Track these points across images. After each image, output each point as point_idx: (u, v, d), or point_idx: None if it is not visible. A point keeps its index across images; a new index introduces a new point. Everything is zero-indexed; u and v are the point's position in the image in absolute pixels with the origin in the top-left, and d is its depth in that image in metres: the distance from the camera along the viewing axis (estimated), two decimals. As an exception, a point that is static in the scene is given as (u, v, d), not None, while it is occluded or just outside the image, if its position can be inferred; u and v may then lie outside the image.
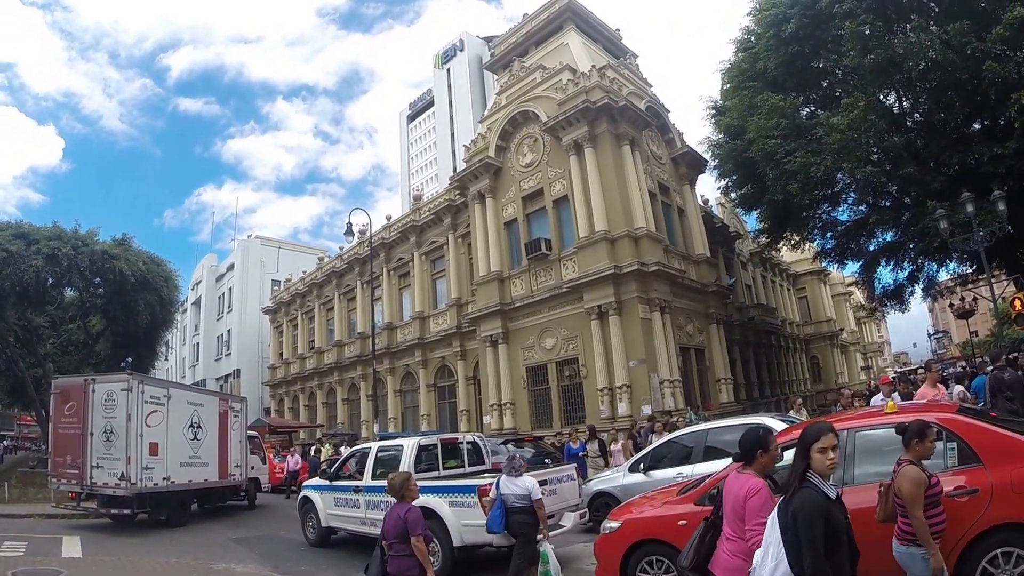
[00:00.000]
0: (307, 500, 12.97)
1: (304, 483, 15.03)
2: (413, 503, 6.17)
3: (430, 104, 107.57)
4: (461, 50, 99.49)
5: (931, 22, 18.41)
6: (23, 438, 61.16)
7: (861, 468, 5.86)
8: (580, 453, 15.70)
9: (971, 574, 5.17)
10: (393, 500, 6.24)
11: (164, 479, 15.25)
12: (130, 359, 36.49)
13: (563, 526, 9.81)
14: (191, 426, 16.67)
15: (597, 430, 17.87)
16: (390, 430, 31.41)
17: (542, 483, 9.31)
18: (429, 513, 9.40)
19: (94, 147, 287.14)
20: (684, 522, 6.54)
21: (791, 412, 14.87)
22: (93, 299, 31.95)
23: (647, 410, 21.49)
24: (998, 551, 5.08)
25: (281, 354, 47.84)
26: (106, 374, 17.15)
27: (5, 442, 58.35)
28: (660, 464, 11.15)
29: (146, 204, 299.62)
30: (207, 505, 18.02)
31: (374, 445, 12.34)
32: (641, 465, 11.51)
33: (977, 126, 20.59)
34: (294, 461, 23.87)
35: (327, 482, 12.54)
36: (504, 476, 8.23)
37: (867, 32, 18.29)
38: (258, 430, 29.10)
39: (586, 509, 10.66)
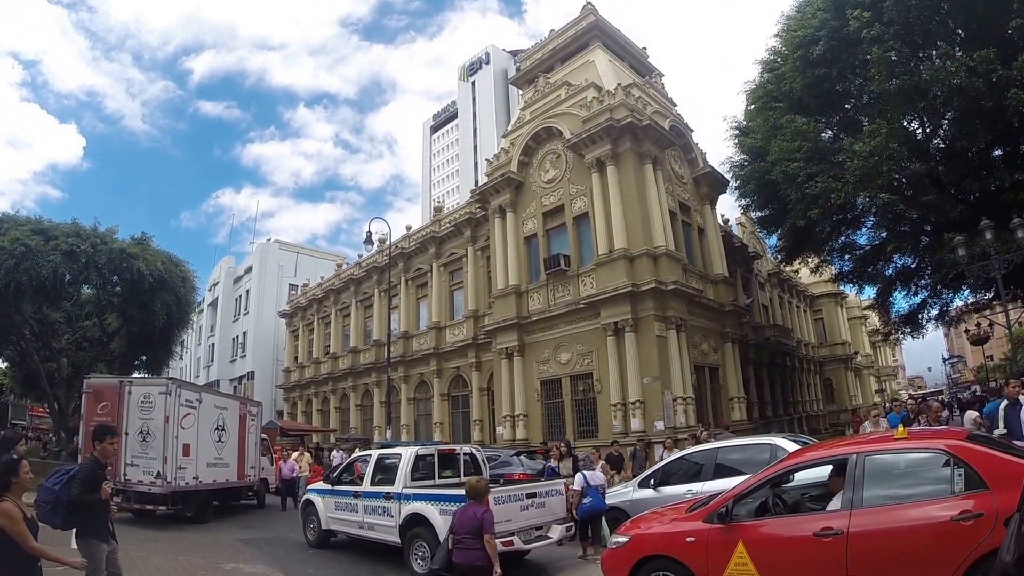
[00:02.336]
0: (309, 503, 13.34)
1: (308, 487, 15.23)
2: (487, 506, 6.99)
3: (453, 116, 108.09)
4: (487, 63, 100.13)
5: (957, 49, 18.42)
6: (35, 428, 61.57)
7: (869, 491, 5.92)
8: (549, 471, 14.29)
9: None
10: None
11: (194, 478, 15.89)
12: (145, 358, 36.94)
13: (550, 538, 10.01)
14: (217, 428, 17.28)
15: (573, 447, 16.54)
16: (403, 437, 31.61)
17: (530, 496, 9.82)
18: (421, 519, 9.84)
19: (115, 146, 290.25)
20: (692, 539, 6.64)
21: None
22: (110, 297, 31.98)
23: (660, 426, 21.52)
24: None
25: (296, 358, 48.05)
26: (143, 377, 17.53)
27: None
28: (671, 480, 11.21)
29: (165, 205, 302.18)
30: (219, 503, 18.29)
31: (374, 453, 12.61)
32: (651, 481, 11.56)
33: (999, 153, 20.54)
34: (288, 468, 20.74)
35: (329, 486, 12.84)
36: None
37: (893, 58, 18.26)
38: (270, 432, 29.25)
39: (572, 523, 10.76)
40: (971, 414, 12.11)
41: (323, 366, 43.25)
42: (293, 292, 51.98)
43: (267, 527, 16.28)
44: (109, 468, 14.55)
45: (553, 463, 14.44)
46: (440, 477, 11.62)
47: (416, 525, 9.93)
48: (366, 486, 11.65)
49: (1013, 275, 19.21)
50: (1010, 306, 19.98)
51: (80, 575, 6.04)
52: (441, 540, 8.94)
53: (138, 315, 30.81)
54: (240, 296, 58.32)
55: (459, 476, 11.78)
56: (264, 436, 23.72)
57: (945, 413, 14.78)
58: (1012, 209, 17.56)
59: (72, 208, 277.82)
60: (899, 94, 18.41)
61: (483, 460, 12.71)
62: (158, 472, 14.93)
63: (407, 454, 11.26)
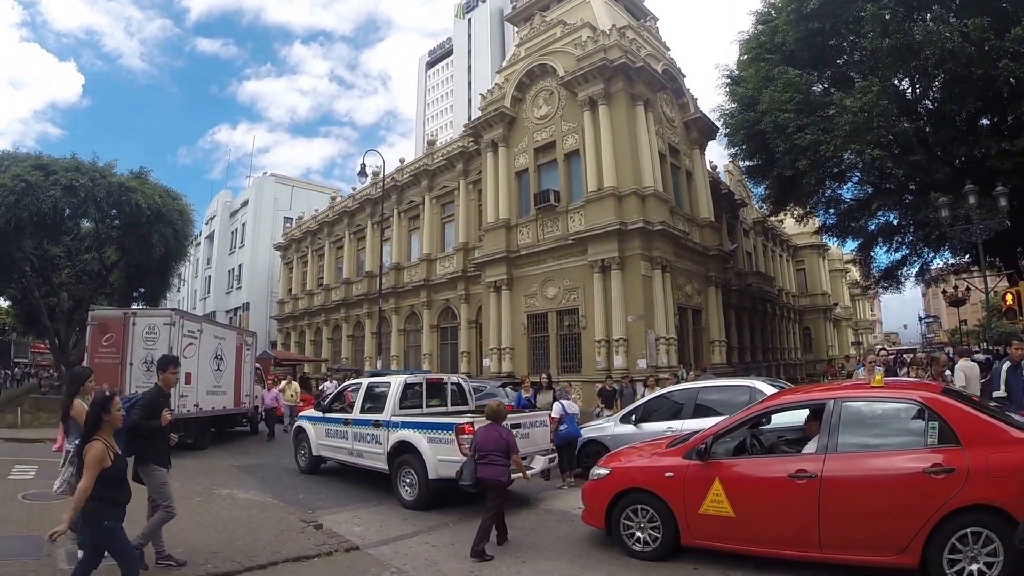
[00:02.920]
0: (300, 430, 13.34)
1: (300, 414, 15.28)
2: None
3: (449, 52, 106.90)
4: (483, 0, 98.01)
5: (951, 14, 18.33)
6: (36, 365, 61.76)
7: (844, 437, 6.02)
8: (525, 403, 14.10)
9: (940, 550, 5.34)
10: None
11: (195, 406, 16.14)
12: (143, 290, 37.08)
13: (533, 468, 10.01)
14: (215, 358, 17.53)
15: (552, 381, 15.61)
16: (392, 368, 32.01)
17: (515, 427, 9.68)
18: (408, 447, 9.91)
19: (114, 84, 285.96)
20: (671, 474, 6.78)
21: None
22: (109, 230, 31.91)
23: (642, 364, 21.89)
24: (968, 530, 5.24)
25: (290, 290, 48.31)
26: (146, 309, 17.57)
27: (17, 369, 59.17)
28: (651, 417, 11.35)
29: (162, 141, 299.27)
30: (216, 430, 18.65)
31: (364, 381, 12.63)
32: (633, 417, 11.70)
33: (987, 121, 20.59)
34: (271, 397, 20.31)
35: (320, 414, 12.87)
36: (563, 401, 11.83)
37: (887, 16, 18.21)
38: (264, 363, 29.51)
39: (555, 454, 10.83)
40: (966, 364, 11.55)
41: (316, 298, 43.57)
42: (288, 225, 51.94)
43: (260, 454, 16.52)
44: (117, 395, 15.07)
45: (525, 394, 14.52)
46: (427, 406, 11.66)
47: (403, 452, 10.01)
48: (356, 414, 11.69)
49: (993, 242, 19.39)
50: (988, 273, 20.17)
51: None
52: (427, 467, 9.42)
53: (136, 248, 30.88)
54: (236, 229, 58.19)
55: (446, 405, 11.92)
56: (258, 365, 24.03)
57: (948, 373, 13.83)
58: (997, 176, 17.73)
59: (71, 145, 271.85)
60: (891, 53, 18.45)
61: (469, 390, 12.80)
62: None
63: (396, 383, 11.28)
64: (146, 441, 6.31)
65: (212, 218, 62.74)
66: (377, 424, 10.75)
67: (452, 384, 12.51)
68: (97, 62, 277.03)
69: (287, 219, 53.46)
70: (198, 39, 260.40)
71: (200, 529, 7.88)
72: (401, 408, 10.92)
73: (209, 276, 61.85)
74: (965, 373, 11.05)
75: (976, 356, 15.00)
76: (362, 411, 11.60)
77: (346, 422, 11.77)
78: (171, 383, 6.91)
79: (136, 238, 30.34)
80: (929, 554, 5.36)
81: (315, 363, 41.01)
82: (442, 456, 9.39)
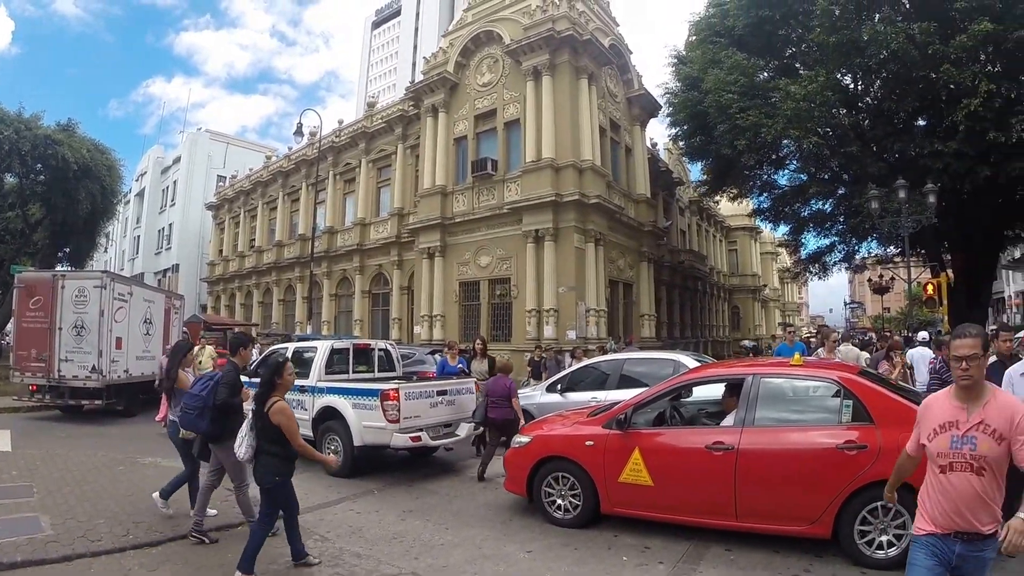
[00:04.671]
0: None
1: None
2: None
3: (396, 13, 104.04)
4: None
5: (900, 17, 18.55)
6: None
7: (762, 412, 6.10)
8: (459, 369, 12.77)
9: (851, 521, 5.49)
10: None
11: (125, 371, 15.53)
12: (68, 249, 35.26)
13: (458, 435, 9.98)
14: (145, 322, 16.85)
15: (487, 347, 14.22)
16: (323, 333, 31.20)
17: (441, 393, 9.69)
18: (333, 413, 9.61)
19: (45, 31, 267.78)
20: (591, 443, 6.77)
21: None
22: (33, 186, 30.24)
23: (572, 335, 21.81)
24: (878, 504, 5.36)
25: (221, 251, 46.67)
26: (76, 271, 16.67)
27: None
28: (577, 387, 11.27)
29: (93, 93, 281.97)
30: (144, 396, 17.81)
31: (291, 346, 12.22)
32: (559, 386, 11.57)
33: (923, 122, 20.93)
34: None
35: (247, 378, 12.36)
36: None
37: (837, 12, 18.34)
38: (193, 327, 28.46)
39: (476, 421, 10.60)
40: (923, 352, 10.98)
41: (248, 260, 42.20)
42: (221, 184, 49.76)
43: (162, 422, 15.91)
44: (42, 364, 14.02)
45: (452, 361, 13.17)
46: (354, 372, 11.36)
47: (329, 418, 9.71)
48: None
49: (919, 235, 19.83)
50: (912, 264, 20.72)
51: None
52: (352, 433, 9.23)
53: (62, 204, 29.36)
54: (167, 187, 55.74)
55: (373, 372, 11.66)
56: (185, 330, 23.08)
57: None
58: (927, 174, 18.07)
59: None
60: (837, 48, 18.54)
61: (397, 357, 12.55)
62: (93, 366, 14.59)
63: (323, 348, 10.98)
64: (228, 419, 6.23)
65: (143, 175, 59.72)
66: (303, 389, 10.32)
67: (380, 350, 12.21)
68: (28, 7, 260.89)
69: (220, 178, 51.17)
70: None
71: (123, 499, 7.49)
72: (327, 373, 10.59)
73: (138, 236, 58.99)
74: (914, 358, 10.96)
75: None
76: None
77: None
78: (247, 360, 7.04)
79: (62, 194, 28.86)
80: (841, 525, 5.52)
81: (246, 327, 39.62)
82: (367, 422, 9.14)
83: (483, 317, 24.72)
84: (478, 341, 13.71)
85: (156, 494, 6.87)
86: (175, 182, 54.09)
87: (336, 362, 11.12)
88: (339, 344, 11.63)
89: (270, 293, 39.81)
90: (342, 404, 9.55)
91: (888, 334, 19.63)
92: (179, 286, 45.79)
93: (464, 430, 10.08)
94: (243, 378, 6.72)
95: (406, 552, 6.20)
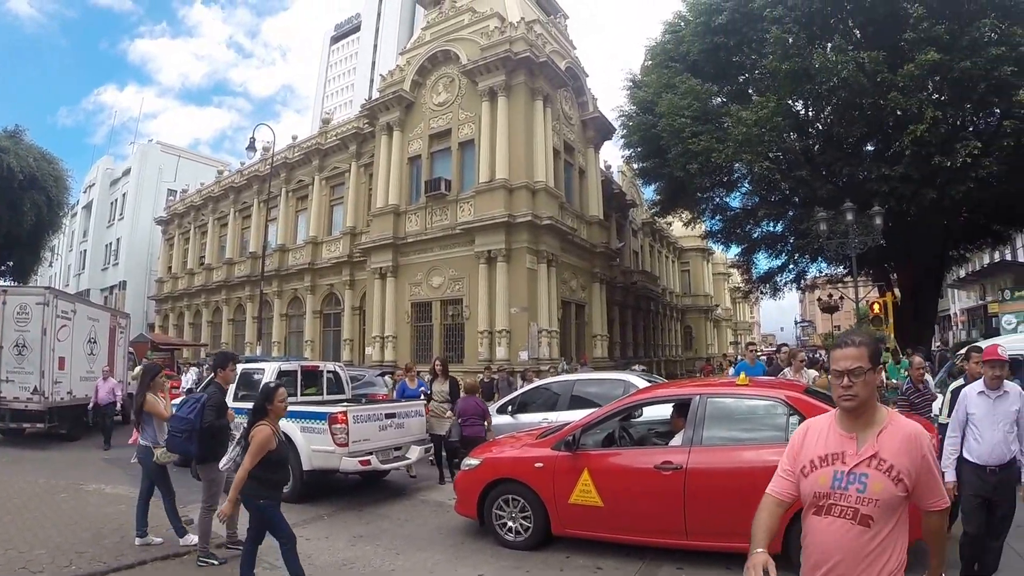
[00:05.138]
0: None
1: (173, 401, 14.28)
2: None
3: (356, 28, 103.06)
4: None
5: (851, 46, 18.92)
6: None
7: (709, 431, 6.17)
8: (421, 392, 12.17)
9: (799, 537, 5.26)
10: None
11: (68, 393, 14.92)
12: (11, 263, 33.93)
13: (408, 459, 9.88)
14: (89, 341, 16.24)
15: (449, 367, 12.51)
16: (274, 354, 30.50)
17: (390, 416, 9.66)
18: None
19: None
20: (541, 464, 6.75)
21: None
22: (-26, 195, 29.06)
23: (524, 356, 21.69)
24: None
25: (170, 268, 45.19)
26: (18, 286, 15.96)
27: None
28: (528, 408, 11.21)
29: (43, 98, 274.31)
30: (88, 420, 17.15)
31: (238, 368, 11.90)
32: (509, 407, 11.50)
33: (871, 147, 21.44)
34: (107, 389, 15.06)
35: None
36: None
37: (790, 40, 18.71)
38: (140, 346, 27.65)
39: (431, 444, 10.58)
40: (812, 373, 11.21)
41: (197, 277, 41.01)
42: (172, 198, 48.47)
43: (133, 446, 15.19)
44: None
45: (411, 384, 12.75)
46: (303, 394, 11.25)
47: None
48: (230, 401, 10.89)
49: (867, 256, 20.24)
50: (859, 283, 21.20)
51: None
52: (301, 458, 9.10)
53: (6, 216, 28.32)
54: (116, 200, 53.97)
55: (322, 394, 11.57)
56: (131, 350, 22.30)
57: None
58: (874, 197, 18.48)
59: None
60: (789, 75, 18.92)
61: (346, 379, 12.52)
62: (35, 387, 13.93)
63: (270, 370, 10.94)
64: (214, 441, 6.29)
65: (91, 186, 57.75)
66: None
67: (328, 372, 12.23)
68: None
69: (171, 192, 49.88)
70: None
71: (66, 527, 7.30)
72: None
73: (85, 250, 56.96)
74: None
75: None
76: (236, 399, 10.80)
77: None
78: (229, 380, 7.02)
79: (6, 205, 27.88)
80: (791, 540, 5.44)
81: (194, 347, 38.61)
82: (316, 446, 9.00)
83: (435, 338, 24.39)
84: (437, 362, 12.77)
85: (184, 538, 6.76)
86: (124, 195, 52.44)
87: (284, 384, 10.82)
88: (287, 366, 11.60)
89: (219, 312, 38.70)
90: (290, 428, 9.17)
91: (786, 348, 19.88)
92: (126, 304, 44.53)
93: (415, 453, 9.96)
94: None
95: (356, 578, 6.14)
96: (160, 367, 7.71)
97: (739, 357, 22.99)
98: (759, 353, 15.40)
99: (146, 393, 6.94)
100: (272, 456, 5.09)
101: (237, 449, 5.30)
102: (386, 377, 16.38)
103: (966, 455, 5.25)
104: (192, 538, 6.64)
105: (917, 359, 9.81)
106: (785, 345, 16.05)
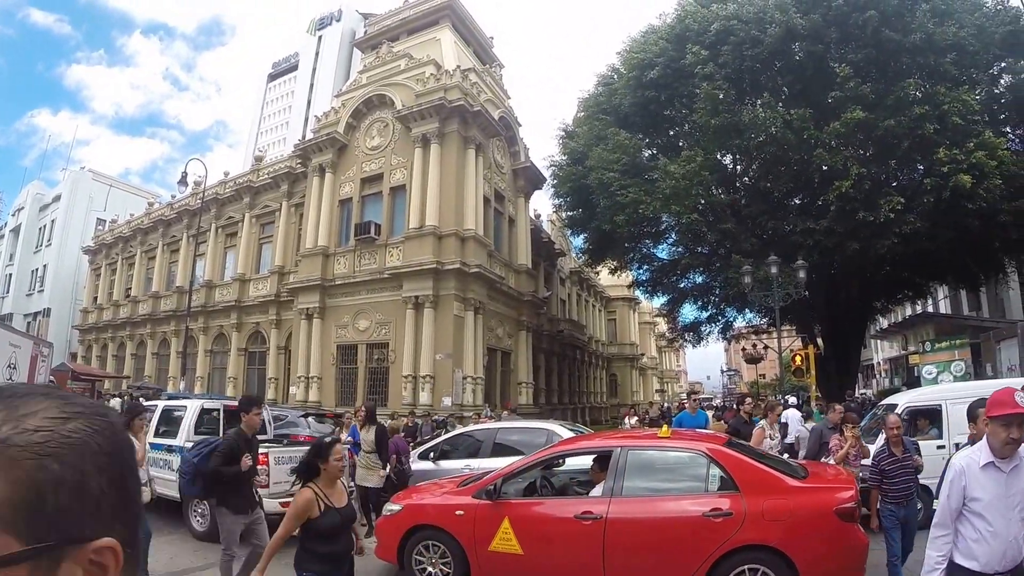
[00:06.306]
0: None
1: None
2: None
3: (294, 67, 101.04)
4: (338, 20, 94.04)
5: (780, 103, 19.23)
6: None
7: (630, 482, 6.12)
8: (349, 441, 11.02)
9: None
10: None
11: None
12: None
13: None
14: (8, 367, 14.84)
15: (376, 413, 11.10)
16: (197, 390, 29.01)
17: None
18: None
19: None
20: (461, 512, 6.64)
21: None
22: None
23: (447, 401, 21.15)
24: (746, 567, 5.49)
25: (96, 298, 43.00)
26: None
27: None
28: (451, 455, 10.99)
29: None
30: None
31: (160, 404, 11.81)
32: (431, 454, 11.22)
33: (797, 201, 21.75)
34: None
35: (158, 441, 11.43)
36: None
37: (720, 96, 18.78)
38: (60, 376, 25.91)
39: (353, 487, 9.93)
40: (794, 413, 12.30)
41: (123, 309, 38.97)
42: (101, 228, 46.45)
43: None
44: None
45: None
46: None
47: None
48: (151, 437, 10.52)
49: (791, 307, 20.34)
50: (784, 333, 21.18)
51: None
52: None
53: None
54: (45, 226, 51.39)
55: None
56: (52, 379, 20.78)
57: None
58: (799, 250, 18.59)
59: None
60: (718, 130, 19.07)
61: (268, 419, 11.90)
62: None
63: (192, 407, 10.71)
64: (225, 487, 5.97)
65: (20, 210, 54.84)
66: (170, 449, 10.08)
67: None
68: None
69: (100, 221, 47.85)
70: (32, 8, 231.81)
71: None
72: (196, 433, 10.18)
73: (10, 274, 53.77)
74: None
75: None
76: (156, 435, 10.67)
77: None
78: (254, 425, 6.41)
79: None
80: None
81: (116, 379, 36.48)
82: None
83: (360, 381, 23.60)
84: (363, 408, 11.51)
85: None
86: (53, 221, 50.02)
87: (206, 422, 10.79)
88: (209, 404, 11.36)
89: (144, 346, 36.77)
90: None
91: (763, 399, 19.89)
92: (49, 331, 42.27)
93: None
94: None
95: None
96: (144, 407, 7.35)
97: (667, 406, 22.86)
98: (698, 402, 15.18)
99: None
100: (317, 524, 4.17)
101: None
102: (310, 419, 15.44)
103: (962, 560, 3.37)
104: None
105: (839, 409, 9.07)
106: (748, 396, 15.90)
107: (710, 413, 16.81)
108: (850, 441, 7.42)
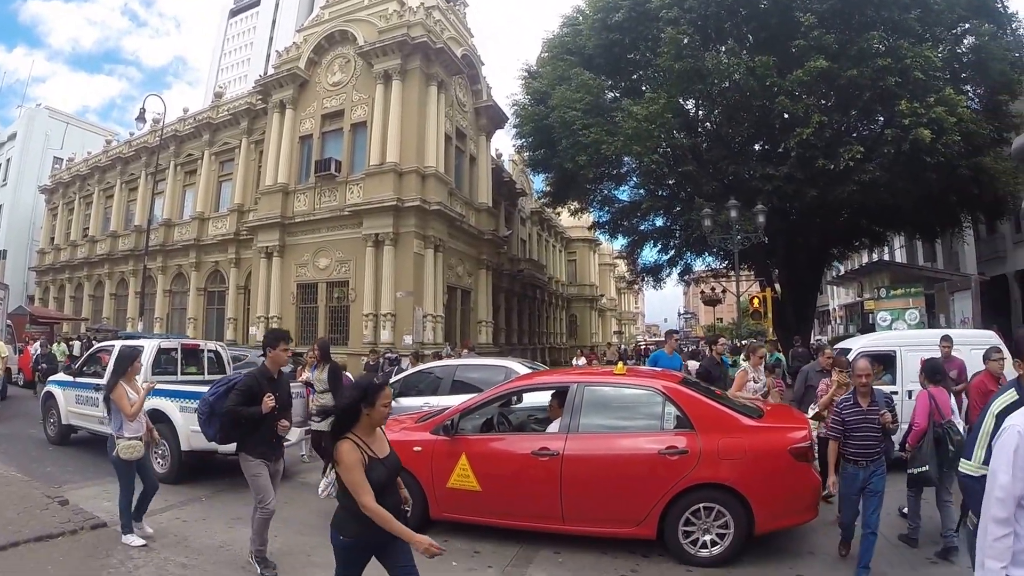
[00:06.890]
0: (50, 395, 11.46)
1: (49, 378, 13.02)
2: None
3: (256, 3, 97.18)
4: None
5: (744, 50, 18.94)
6: None
7: (586, 419, 6.07)
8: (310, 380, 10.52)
9: (675, 522, 5.59)
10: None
11: None
12: None
13: (289, 440, 8.98)
14: None
15: (331, 352, 10.13)
16: (156, 330, 28.43)
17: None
18: (160, 416, 8.72)
19: None
20: (419, 448, 6.48)
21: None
22: None
23: (408, 340, 21.06)
24: (700, 505, 5.55)
25: (53, 239, 41.62)
26: None
27: None
28: (410, 392, 10.66)
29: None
30: None
31: (117, 344, 10.93)
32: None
33: (758, 147, 21.62)
34: None
35: (71, 378, 11.11)
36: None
37: (684, 41, 18.46)
38: (18, 319, 25.29)
39: (311, 425, 9.69)
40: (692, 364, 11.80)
41: (80, 250, 37.92)
42: (58, 166, 44.67)
43: (6, 422, 13.80)
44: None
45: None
46: (183, 373, 10.72)
47: (156, 422, 8.47)
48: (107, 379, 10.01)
49: (750, 251, 20.37)
50: (742, 278, 21.36)
51: None
52: (180, 438, 8.65)
53: None
54: (0, 164, 49.47)
55: (203, 373, 10.97)
56: (9, 323, 20.18)
57: None
58: (759, 196, 18.49)
59: None
60: (681, 75, 18.69)
61: (228, 359, 11.76)
62: None
63: (149, 347, 10.16)
64: (243, 429, 5.35)
65: (-26, 150, 52.91)
66: None
67: (209, 351, 11.53)
68: None
69: (57, 160, 45.94)
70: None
71: None
72: (154, 374, 9.85)
73: (-36, 215, 52.21)
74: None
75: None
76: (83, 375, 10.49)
77: (98, 387, 10.08)
78: (280, 361, 5.59)
79: None
80: (666, 526, 5.63)
81: (75, 321, 35.63)
82: (195, 427, 8.30)
83: (320, 320, 23.41)
84: (316, 347, 10.15)
85: (126, 536, 6.07)
86: (8, 160, 48.33)
87: (164, 362, 10.57)
88: (166, 343, 10.95)
89: (102, 286, 35.91)
90: (169, 407, 8.81)
91: (742, 344, 19.85)
92: (5, 274, 40.60)
93: (295, 435, 9.21)
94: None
95: (232, 561, 5.77)
96: (139, 351, 6.88)
97: (623, 347, 22.95)
98: (677, 342, 14.58)
99: (118, 381, 6.07)
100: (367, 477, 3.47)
101: (333, 473, 3.73)
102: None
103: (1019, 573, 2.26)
104: (134, 538, 6.04)
105: (828, 353, 8.78)
106: (723, 336, 15.50)
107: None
108: (834, 387, 7.22)
